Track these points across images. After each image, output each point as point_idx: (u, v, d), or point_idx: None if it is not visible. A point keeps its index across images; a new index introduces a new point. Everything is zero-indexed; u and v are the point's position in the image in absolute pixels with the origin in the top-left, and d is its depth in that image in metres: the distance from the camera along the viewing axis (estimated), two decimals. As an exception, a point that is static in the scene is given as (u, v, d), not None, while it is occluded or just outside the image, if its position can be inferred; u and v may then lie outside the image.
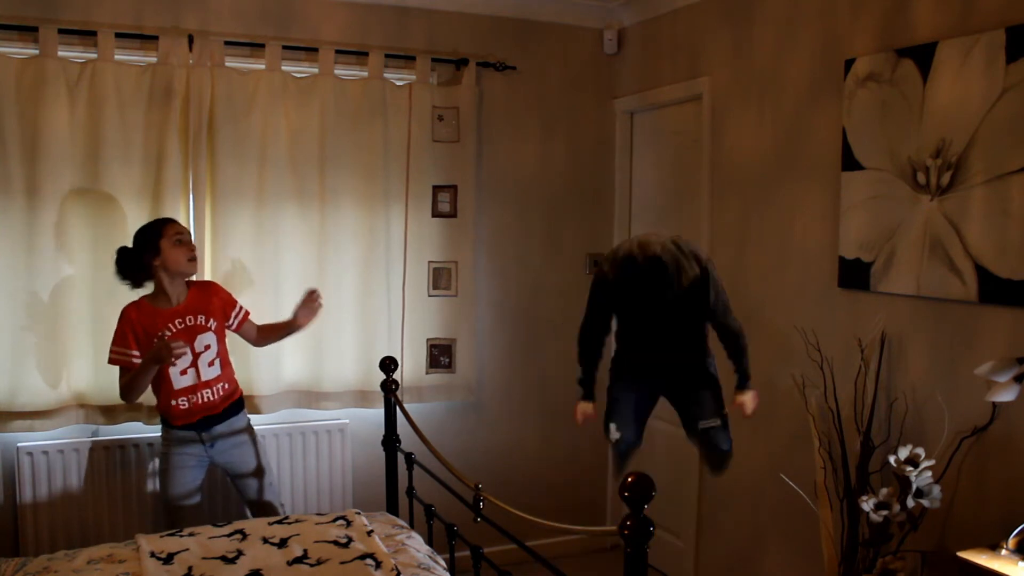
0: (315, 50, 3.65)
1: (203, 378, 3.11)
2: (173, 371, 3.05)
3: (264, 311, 3.50)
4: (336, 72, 3.68)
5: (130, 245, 3.07)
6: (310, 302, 3.32)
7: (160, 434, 3.20)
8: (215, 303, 3.18)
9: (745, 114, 3.46)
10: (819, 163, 3.08)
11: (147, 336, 3.02)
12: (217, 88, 3.45)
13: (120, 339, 3.03)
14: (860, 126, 2.87)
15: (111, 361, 3.04)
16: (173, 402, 3.08)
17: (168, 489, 3.14)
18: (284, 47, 3.59)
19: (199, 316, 3.10)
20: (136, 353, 3.02)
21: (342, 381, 3.76)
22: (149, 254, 3.01)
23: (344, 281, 3.73)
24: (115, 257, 3.05)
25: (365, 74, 3.74)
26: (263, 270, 3.58)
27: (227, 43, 3.49)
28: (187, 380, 3.08)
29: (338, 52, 3.68)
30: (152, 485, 3.45)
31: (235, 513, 3.54)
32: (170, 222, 3.10)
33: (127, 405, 3.35)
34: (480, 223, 4.06)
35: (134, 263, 3.03)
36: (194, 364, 3.09)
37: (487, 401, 4.16)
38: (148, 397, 3.18)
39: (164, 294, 3.06)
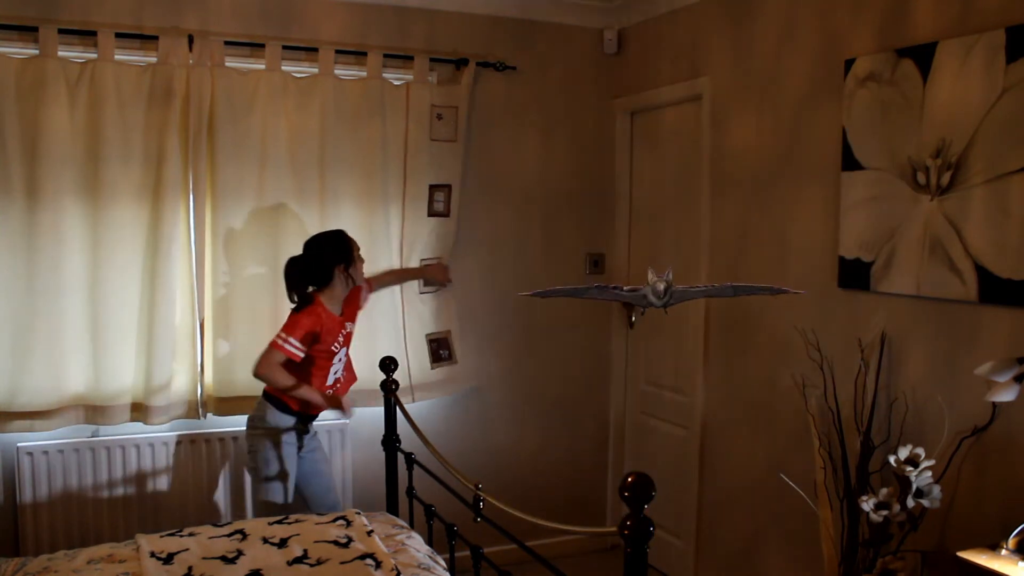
0: (315, 50, 3.64)
1: (340, 378, 3.35)
2: (332, 371, 3.25)
3: (263, 311, 3.52)
4: (336, 72, 3.68)
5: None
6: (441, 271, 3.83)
7: (251, 427, 3.24)
8: (356, 307, 3.38)
9: (745, 114, 3.46)
10: (819, 163, 3.08)
11: (326, 335, 3.16)
12: (217, 88, 3.45)
13: (301, 333, 3.09)
14: (860, 126, 2.87)
15: (278, 348, 3.07)
16: None
17: (267, 472, 3.19)
18: (284, 47, 3.59)
19: (352, 325, 3.35)
20: (305, 350, 3.12)
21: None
22: (343, 263, 3.19)
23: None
24: (287, 266, 3.21)
25: (364, 74, 3.74)
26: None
27: (227, 43, 3.49)
28: (333, 378, 3.30)
29: (338, 52, 3.68)
30: (152, 485, 3.46)
31: (237, 513, 3.54)
32: (349, 236, 3.27)
33: (126, 406, 3.38)
34: (480, 223, 4.06)
35: (316, 269, 3.18)
36: (345, 365, 3.36)
37: (487, 400, 4.16)
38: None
39: (334, 300, 3.23)
